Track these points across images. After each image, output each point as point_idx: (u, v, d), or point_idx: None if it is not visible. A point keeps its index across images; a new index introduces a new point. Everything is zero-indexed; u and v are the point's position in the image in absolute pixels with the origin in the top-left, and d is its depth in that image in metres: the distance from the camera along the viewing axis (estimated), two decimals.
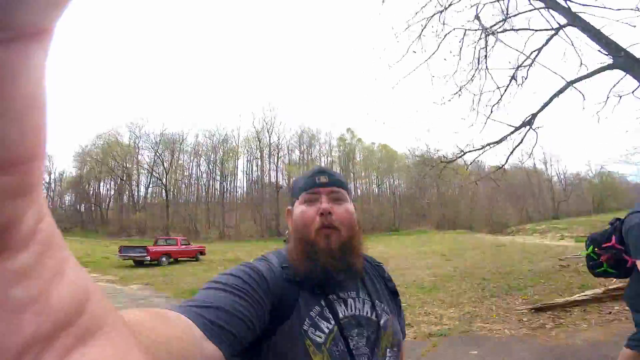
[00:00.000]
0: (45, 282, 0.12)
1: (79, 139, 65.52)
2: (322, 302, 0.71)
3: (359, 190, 54.47)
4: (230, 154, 48.37)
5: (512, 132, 6.74)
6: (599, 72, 5.82)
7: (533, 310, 4.02)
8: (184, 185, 46.96)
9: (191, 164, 47.10)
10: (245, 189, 50.37)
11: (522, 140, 6.82)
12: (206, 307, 0.52)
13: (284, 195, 47.41)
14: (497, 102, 6.86)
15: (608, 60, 5.49)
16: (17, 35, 0.09)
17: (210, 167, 47.50)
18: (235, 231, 42.75)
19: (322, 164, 53.52)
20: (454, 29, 6.79)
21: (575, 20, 5.70)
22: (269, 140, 49.14)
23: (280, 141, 49.84)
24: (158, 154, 43.08)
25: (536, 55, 6.57)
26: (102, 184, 43.97)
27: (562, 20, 5.98)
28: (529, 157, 7.55)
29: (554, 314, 3.83)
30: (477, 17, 6.34)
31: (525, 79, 6.73)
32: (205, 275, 9.55)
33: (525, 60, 6.56)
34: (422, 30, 7.02)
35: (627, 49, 5.19)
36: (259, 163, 49.39)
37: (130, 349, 0.15)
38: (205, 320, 0.49)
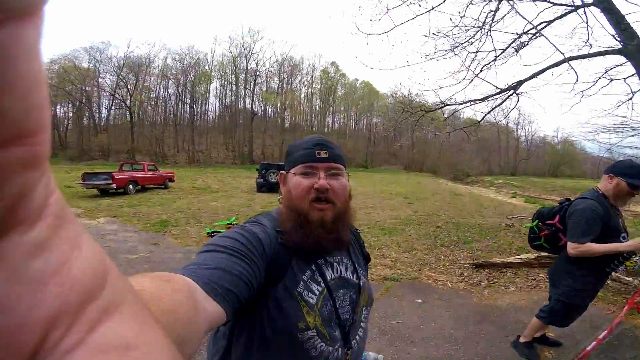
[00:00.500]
0: (63, 254, 0.12)
1: None
2: (313, 267, 0.76)
3: (336, 124, 54.13)
4: (203, 78, 44.79)
5: (496, 94, 6.72)
6: (602, 55, 5.68)
7: (474, 266, 4.57)
8: (150, 108, 43.76)
9: (158, 86, 43.33)
10: (217, 113, 48.12)
11: (502, 102, 6.87)
12: (207, 268, 0.54)
13: (258, 122, 46.14)
14: (490, 63, 6.66)
15: (617, 45, 5.34)
16: (9, 16, 0.10)
17: (180, 90, 44.17)
18: (205, 156, 41.97)
19: (302, 95, 51.29)
20: None
21: (604, 1, 5.33)
22: (246, 66, 45.57)
23: (258, 68, 46.44)
24: (121, 77, 39.22)
25: (544, 27, 6.24)
26: (58, 107, 40.07)
27: None
28: (505, 118, 7.71)
29: (490, 273, 4.37)
30: None
31: (525, 45, 6.48)
32: (175, 204, 9.55)
33: (530, 30, 6.23)
34: None
35: None
36: (234, 88, 46.45)
37: (152, 323, 0.16)
38: (207, 280, 0.50)
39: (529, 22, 5.92)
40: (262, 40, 45.86)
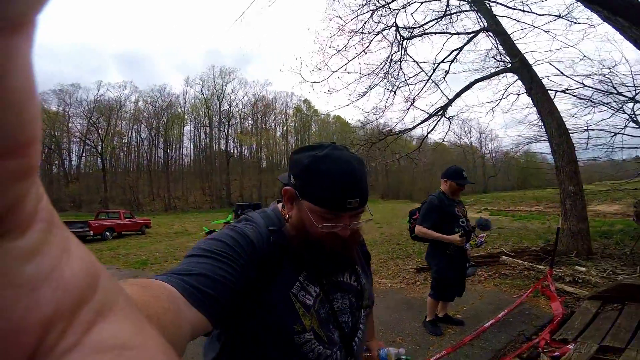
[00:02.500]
0: (54, 258, 0.13)
1: None
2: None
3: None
4: (175, 121, 45.47)
5: (424, 121, 8.08)
6: (498, 74, 7.18)
7: (415, 270, 5.48)
8: (122, 154, 43.56)
9: (130, 130, 43.40)
10: (192, 157, 48.45)
11: (434, 127, 8.22)
12: (189, 274, 0.54)
13: (235, 163, 46.81)
14: (418, 94, 8.16)
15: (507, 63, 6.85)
16: (4, 27, 0.09)
17: (153, 134, 44.31)
18: (182, 202, 41.57)
19: (277, 134, 51.96)
20: (385, 28, 7.67)
21: (492, 24, 6.81)
22: (219, 107, 47.12)
23: (231, 109, 48.07)
24: (92, 122, 39.02)
25: (457, 54, 7.85)
26: None
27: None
28: (442, 141, 9.08)
29: (429, 274, 5.26)
30: (395, 24, 7.28)
31: (447, 72, 8.02)
32: (153, 246, 9.97)
33: (447, 57, 7.83)
34: (364, 23, 7.80)
35: (524, 54, 6.44)
36: (208, 130, 47.46)
37: (146, 323, 0.16)
38: (187, 286, 0.51)
39: (421, 68, 7.45)
40: (234, 81, 47.60)
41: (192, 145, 47.75)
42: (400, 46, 7.35)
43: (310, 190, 0.70)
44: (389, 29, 7.32)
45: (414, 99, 8.06)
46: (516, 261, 5.39)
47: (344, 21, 7.69)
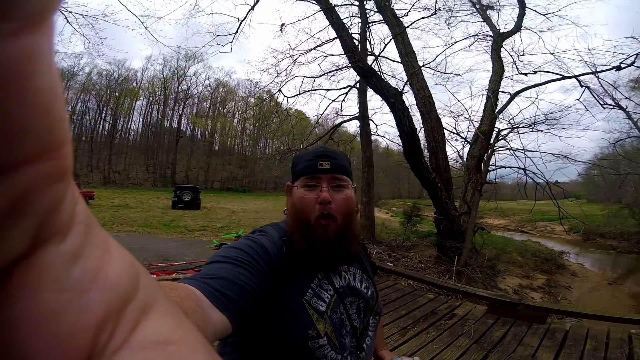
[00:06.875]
0: (98, 260, 0.13)
1: None
2: (320, 274, 0.81)
3: (270, 149, 57.71)
4: (128, 95, 45.20)
5: (315, 142, 11.92)
6: (349, 120, 11.20)
7: None
8: None
9: (77, 100, 42.46)
10: (139, 131, 48.20)
11: (323, 147, 12.27)
12: (212, 278, 0.59)
13: (185, 143, 47.57)
14: (316, 122, 12.13)
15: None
16: (23, 25, 0.10)
17: (101, 106, 43.97)
18: (122, 177, 41.87)
19: (235, 120, 52.92)
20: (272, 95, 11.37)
21: (361, 82, 10.57)
22: (177, 87, 47.58)
23: (190, 90, 48.62)
24: None
25: (344, 98, 11.81)
26: None
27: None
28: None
29: None
30: (279, 90, 10.90)
31: (342, 108, 12.01)
32: (97, 216, 12.53)
33: (336, 98, 11.80)
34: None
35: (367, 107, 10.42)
36: (161, 108, 47.61)
37: (184, 318, 0.17)
38: (211, 289, 0.55)
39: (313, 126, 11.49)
40: (198, 64, 47.22)
41: (141, 120, 47.60)
42: (287, 102, 11.25)
43: (294, 172, 0.86)
44: (277, 93, 11.11)
45: (314, 125, 12.03)
46: None
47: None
